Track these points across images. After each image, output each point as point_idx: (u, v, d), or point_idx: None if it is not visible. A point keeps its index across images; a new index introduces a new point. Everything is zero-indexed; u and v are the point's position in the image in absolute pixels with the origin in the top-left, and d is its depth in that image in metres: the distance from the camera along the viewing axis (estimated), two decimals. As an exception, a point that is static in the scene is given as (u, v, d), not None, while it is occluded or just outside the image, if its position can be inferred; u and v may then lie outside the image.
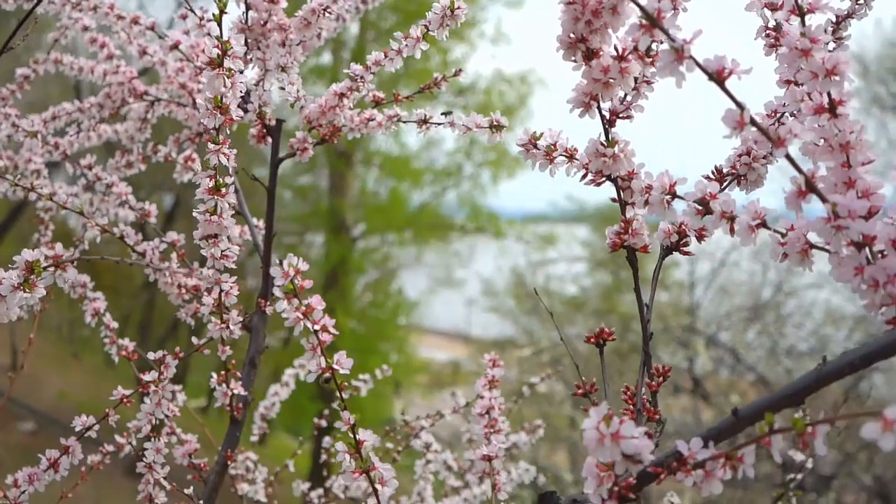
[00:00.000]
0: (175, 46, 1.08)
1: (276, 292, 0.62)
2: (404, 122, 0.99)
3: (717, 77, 0.51)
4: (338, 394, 0.66)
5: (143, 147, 1.23)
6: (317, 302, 0.64)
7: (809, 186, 0.53)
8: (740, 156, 0.69)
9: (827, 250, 0.54)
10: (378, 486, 0.66)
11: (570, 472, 6.56)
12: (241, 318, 0.92)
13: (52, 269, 0.69)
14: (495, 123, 0.87)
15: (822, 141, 0.56)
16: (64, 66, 1.29)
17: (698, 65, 0.51)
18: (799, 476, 1.13)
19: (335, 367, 0.64)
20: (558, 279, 10.18)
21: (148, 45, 1.17)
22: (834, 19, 0.74)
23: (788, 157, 0.52)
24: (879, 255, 0.53)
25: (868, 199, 0.54)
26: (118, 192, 1.13)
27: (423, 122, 0.97)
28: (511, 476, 1.35)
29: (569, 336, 8.50)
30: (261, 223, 1.14)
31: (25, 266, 0.68)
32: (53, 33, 1.32)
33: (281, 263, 0.62)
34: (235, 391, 0.98)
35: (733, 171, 0.69)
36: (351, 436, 0.66)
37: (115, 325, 1.11)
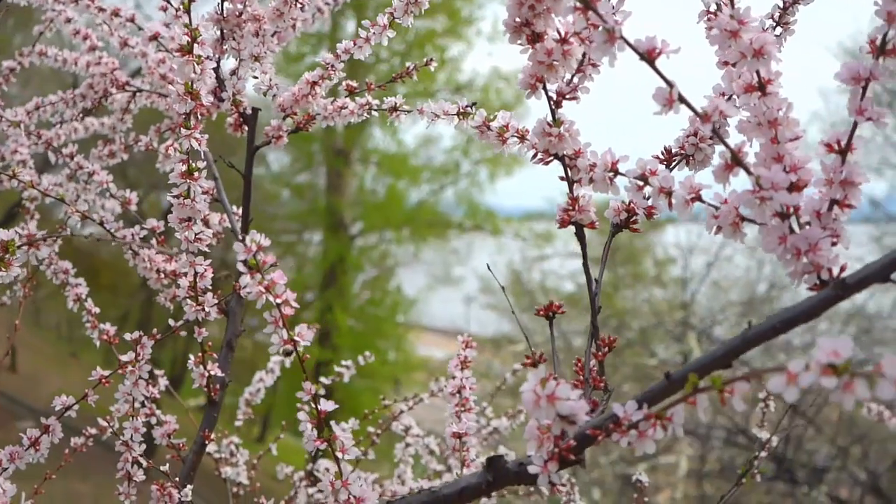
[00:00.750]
0: (154, 38, 1.11)
1: (240, 267, 0.65)
2: (375, 110, 1.01)
3: (648, 56, 0.54)
4: (301, 367, 0.69)
5: (125, 137, 1.26)
6: (279, 277, 0.67)
7: (735, 160, 0.55)
8: (688, 136, 0.72)
9: (756, 222, 0.57)
10: (339, 454, 0.69)
11: (570, 471, 6.60)
12: (216, 301, 0.95)
13: (25, 247, 0.72)
14: (462, 111, 0.90)
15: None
16: (48, 58, 1.32)
17: (629, 45, 0.53)
18: (763, 454, 1.16)
19: (296, 338, 0.67)
20: (555, 276, 10.22)
21: (129, 37, 1.19)
22: (781, 4, 0.77)
23: (715, 131, 0.54)
24: (807, 226, 0.56)
25: (796, 172, 0.57)
26: (99, 180, 1.16)
27: (394, 109, 0.99)
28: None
29: (566, 332, 8.53)
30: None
31: (0, 245, 0.70)
32: (39, 26, 1.35)
33: (244, 240, 0.65)
34: (212, 373, 1.01)
35: (681, 151, 0.72)
36: (313, 406, 0.69)
37: (96, 310, 1.14)
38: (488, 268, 0.94)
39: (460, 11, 11.66)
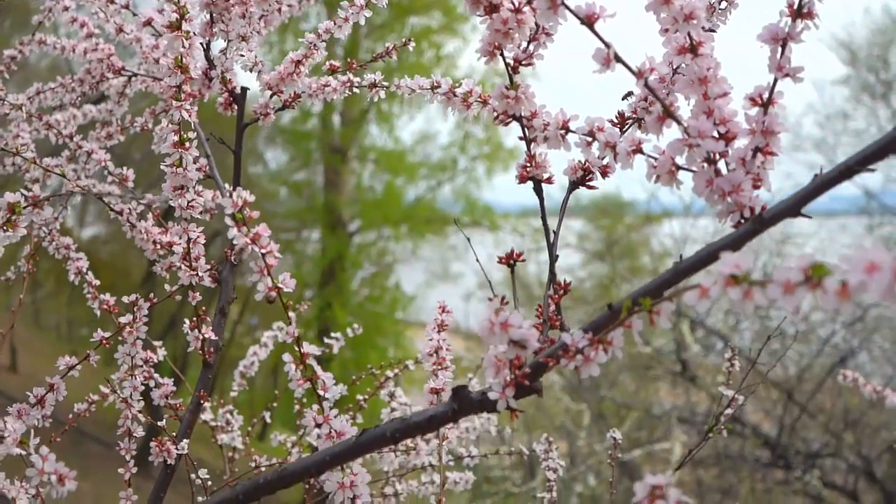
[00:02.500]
0: (148, 23, 1.17)
1: (227, 221, 0.72)
2: (357, 87, 1.08)
3: (588, 21, 0.60)
4: (285, 313, 0.75)
5: (121, 120, 1.32)
6: (263, 230, 0.73)
7: (667, 112, 0.62)
8: (639, 101, 0.78)
9: (690, 170, 0.64)
10: (321, 392, 0.75)
11: (567, 458, 6.67)
12: (209, 266, 1.01)
13: (30, 208, 0.78)
14: (435, 85, 0.96)
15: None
16: (48, 46, 1.38)
17: (570, 10, 0.60)
18: (729, 411, 1.22)
19: (280, 285, 0.73)
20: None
21: (124, 24, 1.25)
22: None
23: (647, 86, 0.61)
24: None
25: (725, 125, 0.63)
26: (97, 159, 1.22)
27: (374, 85, 1.06)
28: (475, 425, 1.45)
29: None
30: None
31: (7, 207, 0.77)
32: (38, 15, 1.41)
33: (231, 196, 0.71)
34: (207, 336, 1.08)
35: (634, 114, 0.78)
36: (296, 349, 0.75)
37: (97, 282, 1.20)
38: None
39: (455, 8, 11.72)
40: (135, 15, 1.20)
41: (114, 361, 1.07)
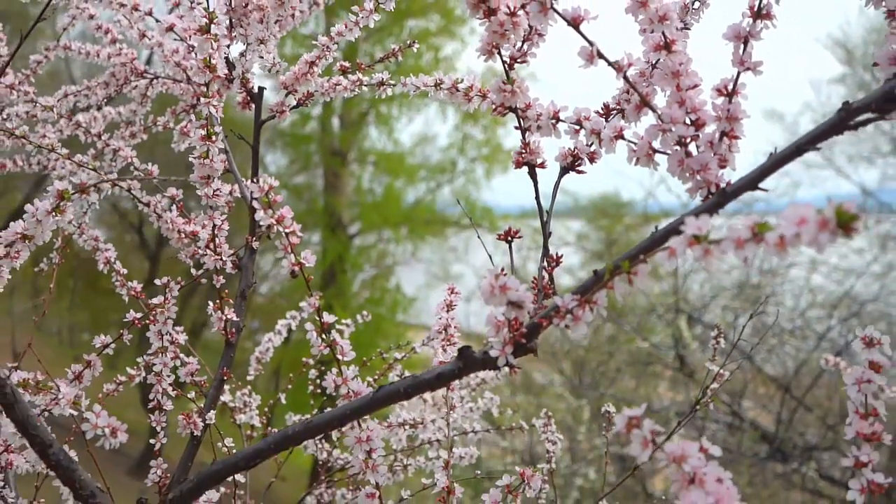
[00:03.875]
0: (170, 28, 1.26)
1: (255, 204, 0.80)
2: (366, 85, 1.17)
3: (574, 23, 0.69)
4: (306, 285, 0.84)
5: (144, 119, 1.41)
6: (287, 212, 0.82)
7: (643, 102, 0.71)
8: (622, 93, 0.87)
9: (664, 152, 0.72)
10: (340, 357, 0.84)
11: (568, 453, 6.76)
12: (232, 252, 1.10)
13: (77, 194, 0.87)
14: (439, 82, 1.05)
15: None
16: (73, 52, 1.47)
17: (558, 13, 0.69)
18: (715, 385, 1.30)
19: (302, 261, 0.82)
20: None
21: (146, 30, 1.34)
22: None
23: (625, 79, 0.70)
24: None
25: (695, 113, 0.72)
26: (124, 155, 1.31)
27: (381, 83, 1.15)
28: (478, 405, 1.53)
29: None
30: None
31: (57, 194, 0.86)
32: (63, 22, 1.50)
33: (258, 181, 0.80)
34: (229, 317, 1.16)
35: (618, 105, 0.87)
36: (317, 318, 0.84)
37: (124, 271, 1.29)
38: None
39: (454, 10, 11.82)
40: (157, 21, 1.29)
41: (114, 367, 1.15)
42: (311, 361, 1.61)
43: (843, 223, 0.46)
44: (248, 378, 1.62)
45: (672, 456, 0.57)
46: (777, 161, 0.65)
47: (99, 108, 1.51)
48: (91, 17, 1.41)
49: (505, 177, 12.29)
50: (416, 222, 12.51)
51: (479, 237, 1.13)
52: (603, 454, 5.84)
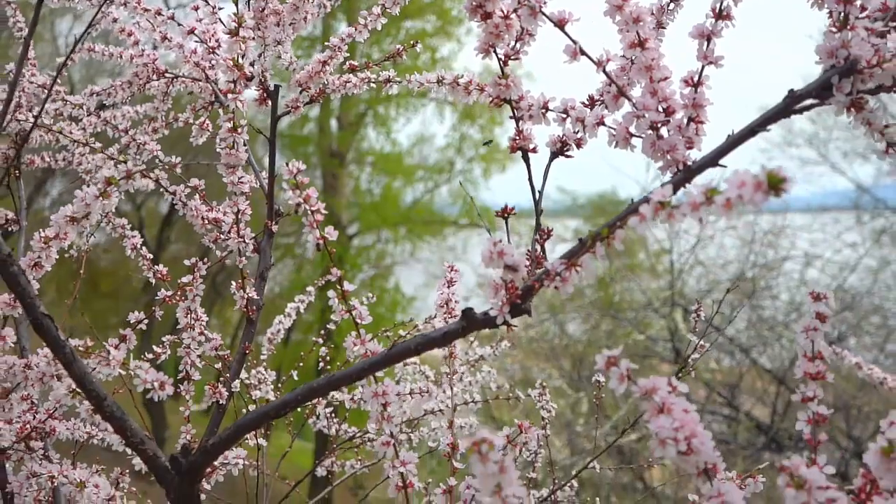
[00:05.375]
0: (191, 31, 1.36)
1: (284, 185, 0.91)
2: (373, 82, 1.28)
3: (560, 24, 0.80)
4: (329, 257, 0.95)
5: (165, 116, 1.52)
6: (312, 192, 0.93)
7: (620, 92, 0.82)
8: (604, 86, 0.98)
9: (639, 136, 0.83)
10: (358, 321, 0.95)
11: (567, 448, 6.88)
12: (254, 235, 1.21)
13: (124, 180, 0.98)
14: (441, 78, 1.16)
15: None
16: (97, 54, 1.57)
17: (546, 16, 0.80)
18: (696, 356, 1.41)
19: (326, 235, 0.93)
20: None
21: (168, 32, 1.45)
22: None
23: (605, 72, 0.81)
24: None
25: (666, 102, 0.83)
26: (150, 149, 1.42)
27: (388, 81, 1.26)
28: (476, 378, 1.64)
29: (562, 321, 8.78)
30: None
31: (105, 180, 0.96)
32: (87, 26, 1.61)
33: (287, 165, 0.91)
34: (251, 296, 1.27)
35: (601, 96, 0.98)
36: (339, 287, 0.95)
37: (150, 256, 1.40)
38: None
39: (450, 11, 11.93)
40: (179, 25, 1.40)
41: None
42: (321, 340, 1.72)
43: (774, 185, 0.56)
44: (262, 357, 1.73)
45: (644, 388, 0.67)
46: (734, 141, 0.75)
47: (122, 105, 1.62)
48: (115, 20, 1.51)
49: (502, 176, 12.37)
50: (414, 222, 12.62)
51: (487, 230, 1.24)
52: (601, 446, 5.96)
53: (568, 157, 0.98)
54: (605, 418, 5.91)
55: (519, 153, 0.99)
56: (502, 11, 0.86)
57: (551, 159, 0.98)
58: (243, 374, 1.63)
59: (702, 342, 1.42)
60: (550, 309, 8.44)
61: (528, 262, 0.95)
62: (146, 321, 1.17)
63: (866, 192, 9.15)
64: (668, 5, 0.97)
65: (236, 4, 1.00)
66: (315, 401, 1.70)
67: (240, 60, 1.00)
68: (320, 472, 1.68)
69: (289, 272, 12.33)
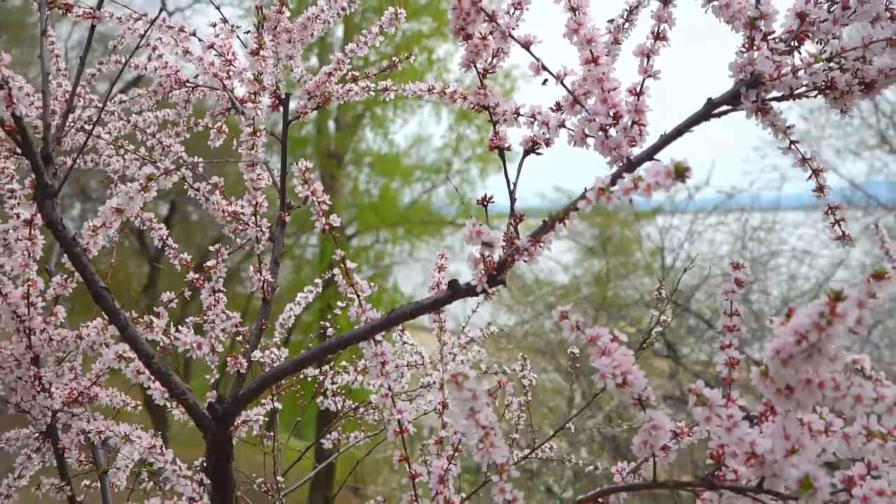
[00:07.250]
0: (211, 46, 1.54)
1: (294, 180, 1.09)
2: (373, 90, 1.46)
3: (525, 45, 0.98)
4: (335, 241, 1.12)
5: (187, 121, 1.70)
6: (319, 185, 1.11)
7: (575, 100, 1.00)
8: (564, 97, 1.16)
9: (592, 136, 1.01)
10: (359, 293, 1.13)
11: (566, 444, 7.05)
12: (269, 225, 1.39)
13: (163, 176, 1.16)
14: (431, 87, 1.33)
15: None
16: (120, 65, 1.75)
17: (514, 39, 0.98)
18: (658, 329, 1.58)
19: (331, 222, 1.11)
20: (549, 269, 10.66)
21: (189, 46, 1.63)
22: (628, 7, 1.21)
23: (563, 84, 0.99)
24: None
25: (614, 107, 1.01)
26: (175, 150, 1.60)
27: (386, 90, 1.44)
28: (468, 357, 1.82)
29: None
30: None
31: (146, 177, 1.14)
32: (113, 41, 1.79)
33: (298, 163, 1.09)
34: (266, 278, 1.45)
35: (563, 104, 1.16)
36: (343, 265, 1.12)
37: (176, 246, 1.57)
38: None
39: (446, 13, 12.08)
40: (200, 41, 1.57)
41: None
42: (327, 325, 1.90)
43: (679, 173, 0.74)
44: (274, 340, 1.91)
45: (590, 336, 0.85)
46: (664, 140, 0.93)
47: (139, 113, 1.80)
48: (142, 35, 1.69)
49: (499, 176, 12.49)
50: (412, 222, 12.78)
51: (471, 216, 1.41)
52: (594, 435, 6.15)
53: (538, 154, 1.16)
54: (598, 409, 6.10)
55: (512, 154, 1.18)
56: (480, 33, 1.04)
57: (524, 156, 1.16)
58: (258, 354, 1.80)
59: (663, 316, 1.59)
60: (546, 306, 8.63)
61: (503, 242, 1.13)
62: (175, 300, 1.34)
63: (858, 189, 9.34)
64: (623, 25, 1.15)
65: (258, 29, 1.18)
66: (322, 378, 1.87)
67: (260, 75, 1.18)
68: (326, 444, 1.86)
69: (288, 273, 12.51)
